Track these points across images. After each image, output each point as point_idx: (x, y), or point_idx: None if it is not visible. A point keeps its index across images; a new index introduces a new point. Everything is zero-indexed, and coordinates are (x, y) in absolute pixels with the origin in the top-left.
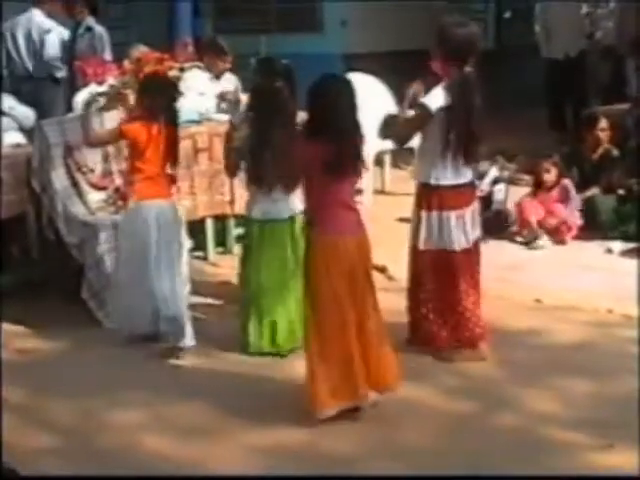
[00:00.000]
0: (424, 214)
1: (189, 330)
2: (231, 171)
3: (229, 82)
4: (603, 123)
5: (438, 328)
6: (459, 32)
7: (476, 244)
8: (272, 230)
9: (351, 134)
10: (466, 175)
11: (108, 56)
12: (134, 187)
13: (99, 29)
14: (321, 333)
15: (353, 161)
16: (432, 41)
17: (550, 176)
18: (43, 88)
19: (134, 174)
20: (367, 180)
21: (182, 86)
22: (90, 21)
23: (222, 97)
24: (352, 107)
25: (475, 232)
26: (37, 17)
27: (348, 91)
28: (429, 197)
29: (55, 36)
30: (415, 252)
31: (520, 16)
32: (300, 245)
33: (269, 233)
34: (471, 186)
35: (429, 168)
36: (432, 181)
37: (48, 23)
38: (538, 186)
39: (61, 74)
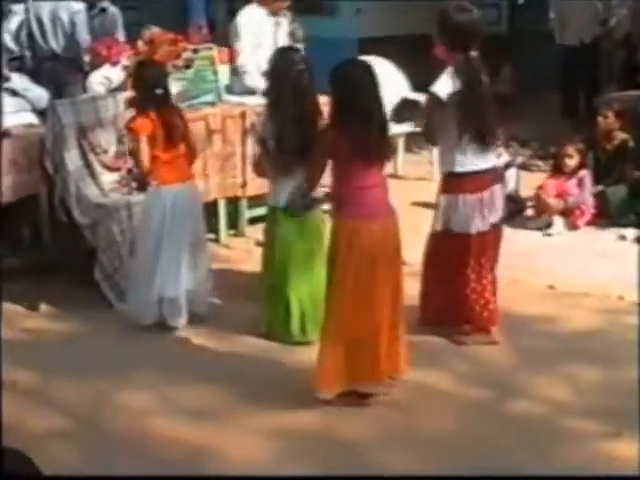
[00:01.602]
0: (443, 198)
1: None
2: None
3: (285, 21)
4: (615, 112)
5: (446, 310)
6: (460, 18)
7: (496, 227)
8: (299, 219)
9: (377, 117)
10: (488, 159)
11: (121, 37)
12: (153, 172)
13: (113, 10)
14: (339, 316)
15: (380, 144)
16: (434, 27)
17: (572, 161)
18: (68, 69)
19: (151, 161)
20: None
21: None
22: (104, 2)
23: (292, 35)
24: (376, 90)
25: (494, 215)
26: None
27: (370, 74)
28: (451, 183)
29: (84, 18)
30: (432, 235)
31: (534, 2)
32: (325, 233)
33: (296, 222)
34: (493, 170)
35: (450, 156)
36: (456, 169)
37: (76, 4)
38: (558, 170)
39: (88, 56)
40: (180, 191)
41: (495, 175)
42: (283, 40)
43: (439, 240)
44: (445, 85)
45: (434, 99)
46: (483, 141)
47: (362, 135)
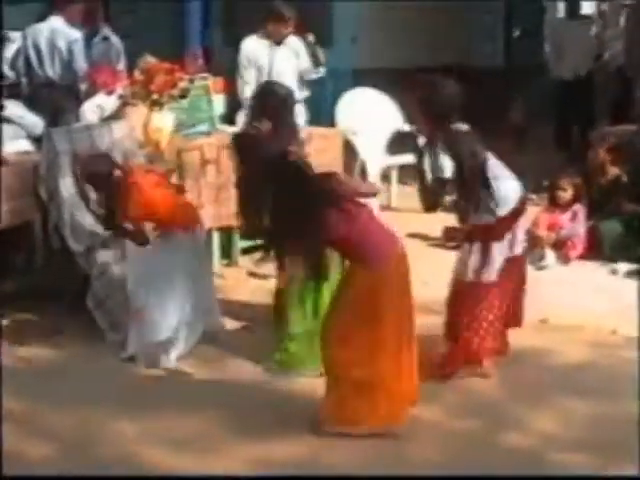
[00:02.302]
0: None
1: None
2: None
3: (290, 47)
4: (609, 146)
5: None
6: (442, 94)
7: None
8: None
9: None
10: (514, 195)
11: (122, 66)
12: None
13: (115, 39)
14: (384, 361)
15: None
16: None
17: (565, 195)
18: (64, 96)
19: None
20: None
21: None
22: (106, 30)
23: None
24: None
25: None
26: (61, 26)
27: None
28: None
29: (81, 46)
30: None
31: (529, 35)
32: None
33: None
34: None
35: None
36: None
37: (74, 33)
38: (552, 203)
39: (85, 84)
40: (185, 239)
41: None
42: (291, 68)
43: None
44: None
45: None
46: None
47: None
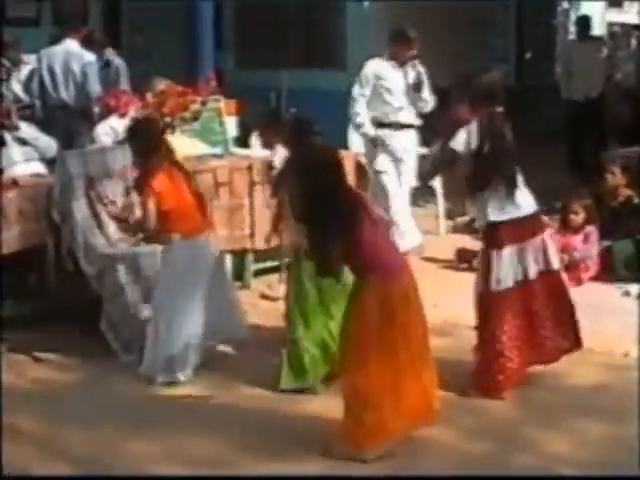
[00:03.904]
0: (491, 253)
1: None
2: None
3: (412, 69)
4: (621, 167)
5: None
6: (485, 78)
7: (543, 277)
8: None
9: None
10: (525, 206)
11: (125, 89)
12: (167, 226)
13: (117, 62)
14: (378, 379)
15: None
16: (456, 88)
17: (577, 218)
18: (78, 119)
19: (165, 216)
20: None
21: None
22: (109, 53)
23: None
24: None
25: (535, 266)
26: (76, 48)
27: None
28: (488, 235)
29: (96, 69)
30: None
31: (541, 56)
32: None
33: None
34: (531, 217)
35: (484, 208)
36: (490, 219)
37: (89, 56)
38: (564, 225)
39: (98, 107)
40: (197, 244)
41: (534, 223)
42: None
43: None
44: (463, 141)
45: (454, 154)
46: (510, 189)
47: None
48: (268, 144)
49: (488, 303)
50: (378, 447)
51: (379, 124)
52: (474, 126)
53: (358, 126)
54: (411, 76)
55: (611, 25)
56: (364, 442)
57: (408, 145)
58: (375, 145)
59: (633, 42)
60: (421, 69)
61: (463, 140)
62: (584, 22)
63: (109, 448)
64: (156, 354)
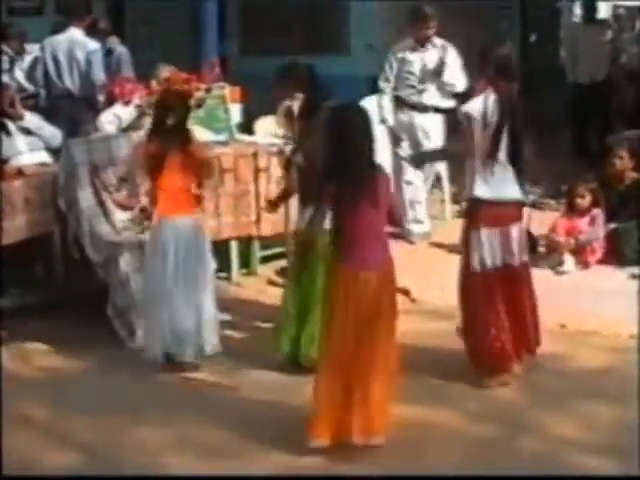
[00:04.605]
0: (472, 233)
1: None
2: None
3: (434, 48)
4: (628, 150)
5: (469, 352)
6: (501, 51)
7: (522, 265)
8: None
9: (367, 174)
10: (510, 190)
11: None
12: (156, 206)
13: (120, 50)
14: (329, 362)
15: (372, 199)
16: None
17: (583, 202)
18: (83, 108)
19: (155, 193)
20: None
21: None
22: (112, 41)
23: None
24: (366, 144)
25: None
26: (80, 37)
27: (362, 125)
28: (471, 213)
29: (100, 57)
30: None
31: (546, 39)
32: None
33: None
34: (515, 204)
35: (473, 183)
36: (477, 193)
37: (93, 44)
38: (570, 209)
39: (102, 95)
40: (182, 223)
41: (516, 211)
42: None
43: (466, 277)
44: (478, 106)
45: (468, 119)
46: (513, 166)
47: (351, 192)
48: (286, 93)
49: (470, 283)
50: (319, 437)
51: (404, 104)
52: (491, 96)
53: (382, 121)
54: (435, 58)
55: (616, 7)
56: (310, 428)
57: (432, 130)
58: (396, 137)
59: (638, 24)
60: (445, 50)
61: (479, 107)
62: (589, 4)
63: (115, 435)
64: (152, 338)
